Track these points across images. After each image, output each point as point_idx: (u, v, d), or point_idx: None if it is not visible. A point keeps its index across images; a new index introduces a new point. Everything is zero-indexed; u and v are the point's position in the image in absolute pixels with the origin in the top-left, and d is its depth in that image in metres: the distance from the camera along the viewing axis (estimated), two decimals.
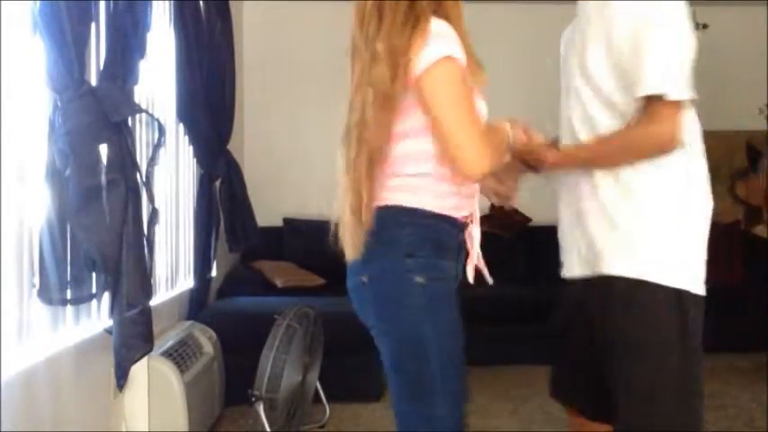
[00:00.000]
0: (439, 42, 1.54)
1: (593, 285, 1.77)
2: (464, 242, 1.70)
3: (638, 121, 1.68)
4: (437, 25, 1.57)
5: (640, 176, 1.71)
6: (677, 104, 1.63)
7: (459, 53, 1.56)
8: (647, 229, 1.72)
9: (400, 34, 1.56)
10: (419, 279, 1.58)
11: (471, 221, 1.71)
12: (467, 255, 1.71)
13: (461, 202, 1.67)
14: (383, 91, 1.59)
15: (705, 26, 5.75)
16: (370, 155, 1.60)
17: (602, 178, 1.73)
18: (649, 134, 1.66)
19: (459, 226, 1.67)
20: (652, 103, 1.64)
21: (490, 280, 1.72)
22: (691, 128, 1.75)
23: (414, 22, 1.56)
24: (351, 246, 1.65)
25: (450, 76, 1.54)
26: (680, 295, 1.75)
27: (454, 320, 1.63)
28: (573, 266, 1.84)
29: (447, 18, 1.62)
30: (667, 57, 1.62)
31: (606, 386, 1.73)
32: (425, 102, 1.56)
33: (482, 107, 1.68)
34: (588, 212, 1.77)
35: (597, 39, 1.72)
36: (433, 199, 1.62)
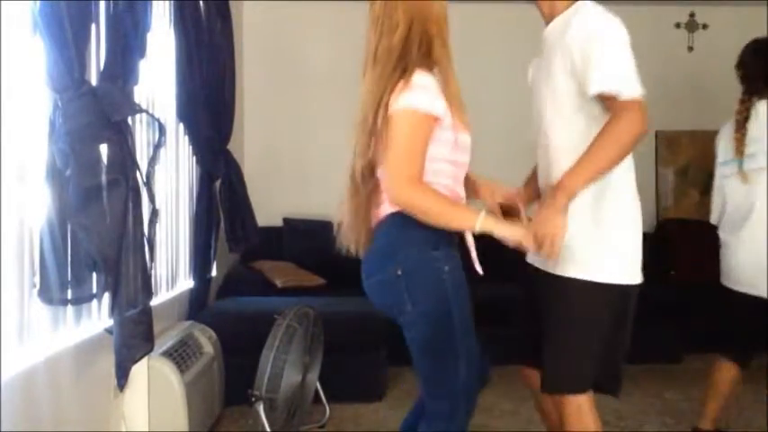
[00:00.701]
0: (414, 93, 1.85)
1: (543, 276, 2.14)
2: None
3: (606, 123, 1.90)
4: (420, 78, 1.87)
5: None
6: (632, 101, 1.86)
7: (428, 105, 1.86)
8: (581, 237, 2.00)
9: (389, 78, 1.89)
10: (446, 268, 1.89)
11: None
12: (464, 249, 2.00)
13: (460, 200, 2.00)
14: (368, 120, 1.94)
15: (705, 26, 5.76)
16: (362, 167, 1.99)
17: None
18: (618, 130, 1.87)
19: None
20: (612, 105, 1.89)
21: (480, 271, 1.97)
22: None
23: (401, 72, 1.88)
24: (357, 243, 1.99)
25: (405, 124, 1.87)
26: (607, 289, 2.06)
27: (467, 299, 1.95)
28: (534, 256, 2.17)
29: (438, 63, 1.94)
30: (613, 61, 1.89)
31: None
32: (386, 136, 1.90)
33: (465, 139, 1.96)
34: None
35: (561, 61, 2.00)
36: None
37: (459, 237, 1.97)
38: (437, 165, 1.91)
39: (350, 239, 1.99)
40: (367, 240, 1.97)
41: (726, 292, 3.06)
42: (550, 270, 2.10)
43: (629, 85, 1.87)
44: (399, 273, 1.89)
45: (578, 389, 2.13)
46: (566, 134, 2.06)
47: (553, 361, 2.15)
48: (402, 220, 1.89)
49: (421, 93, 1.85)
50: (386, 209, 1.94)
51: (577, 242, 1.99)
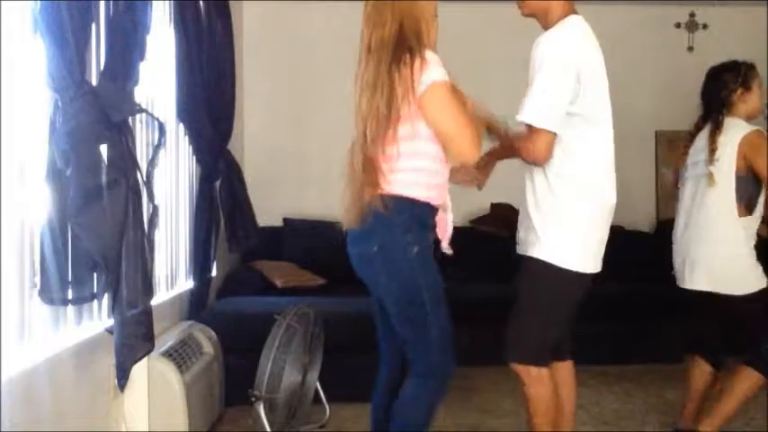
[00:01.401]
0: (436, 68, 2.15)
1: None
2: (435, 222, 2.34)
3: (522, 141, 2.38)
4: (431, 55, 2.17)
5: (547, 185, 2.38)
6: (540, 130, 2.28)
7: (446, 77, 2.17)
8: (546, 223, 2.40)
9: (391, 65, 2.17)
10: (415, 248, 2.21)
11: (443, 208, 2.35)
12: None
13: (440, 194, 2.29)
14: (383, 112, 2.19)
15: (705, 26, 5.75)
16: (365, 154, 2.23)
17: (539, 185, 2.41)
18: (524, 148, 2.35)
19: (435, 210, 2.30)
20: (528, 130, 2.34)
21: (449, 251, 2.37)
22: (577, 146, 2.35)
23: (408, 57, 2.15)
24: (349, 218, 2.27)
25: (442, 95, 2.17)
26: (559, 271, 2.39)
27: (435, 274, 2.27)
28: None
29: (429, 37, 2.23)
30: (540, 94, 2.28)
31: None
32: (427, 114, 2.17)
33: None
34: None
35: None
36: (424, 191, 2.23)
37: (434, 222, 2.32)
38: (425, 145, 2.21)
39: (349, 220, 2.27)
40: (357, 218, 2.24)
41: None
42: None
43: (541, 119, 2.27)
44: (375, 249, 2.22)
45: (540, 360, 2.45)
46: None
47: (523, 332, 2.46)
48: (389, 201, 2.19)
49: (439, 67, 2.15)
50: (374, 191, 2.21)
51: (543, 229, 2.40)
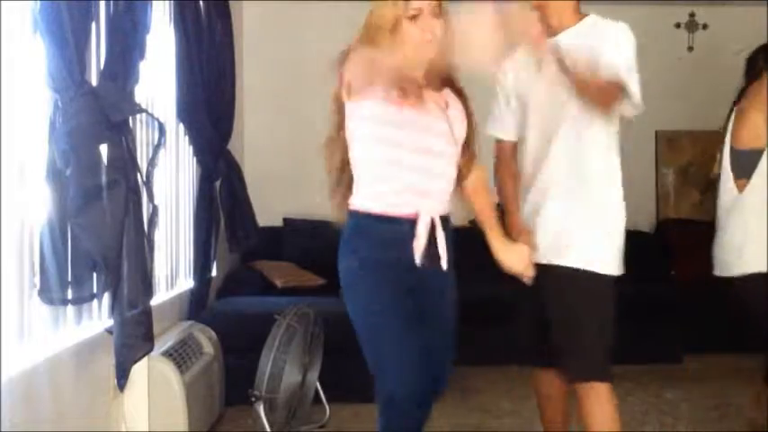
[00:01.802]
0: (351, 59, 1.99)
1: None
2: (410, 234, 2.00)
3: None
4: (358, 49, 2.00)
5: (596, 181, 2.28)
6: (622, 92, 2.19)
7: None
8: (592, 226, 2.29)
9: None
10: (355, 264, 2.01)
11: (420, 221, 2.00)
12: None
13: (400, 201, 1.99)
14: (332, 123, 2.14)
15: (705, 26, 5.75)
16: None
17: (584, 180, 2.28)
18: (607, 89, 2.15)
19: (398, 221, 1.99)
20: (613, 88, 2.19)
21: (444, 266, 2.05)
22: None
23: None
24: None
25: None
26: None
27: (389, 303, 2.00)
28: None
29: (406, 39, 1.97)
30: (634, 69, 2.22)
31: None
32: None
33: None
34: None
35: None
36: (367, 201, 2.01)
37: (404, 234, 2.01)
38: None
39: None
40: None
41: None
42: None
43: (635, 88, 2.21)
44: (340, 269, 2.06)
45: (607, 376, 2.27)
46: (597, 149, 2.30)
47: (584, 349, 2.27)
48: (348, 221, 2.05)
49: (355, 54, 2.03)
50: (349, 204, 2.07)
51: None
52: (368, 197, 2.02)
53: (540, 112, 2.33)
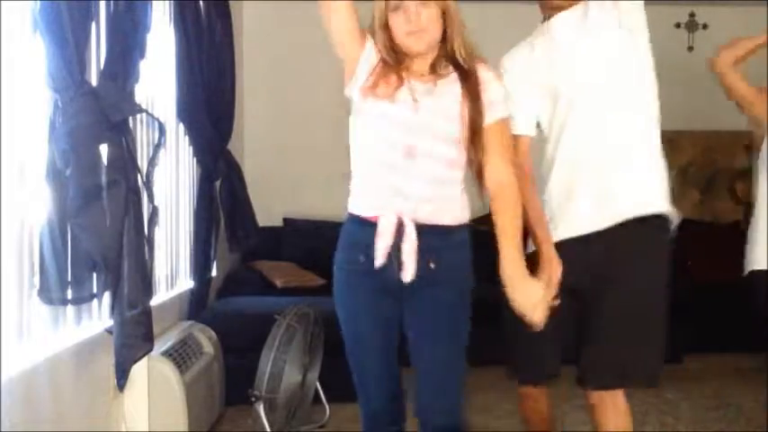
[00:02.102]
0: None
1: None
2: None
3: None
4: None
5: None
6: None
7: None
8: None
9: None
10: (336, 270, 1.97)
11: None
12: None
13: (369, 203, 1.92)
14: None
15: (705, 26, 5.75)
16: None
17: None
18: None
19: (369, 223, 1.88)
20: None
21: (405, 278, 1.86)
22: None
23: None
24: None
25: None
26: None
27: (346, 307, 1.97)
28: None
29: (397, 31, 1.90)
30: None
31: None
32: None
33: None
34: None
35: (618, 43, 2.14)
36: (351, 199, 1.98)
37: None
38: None
39: None
40: None
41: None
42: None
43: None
44: None
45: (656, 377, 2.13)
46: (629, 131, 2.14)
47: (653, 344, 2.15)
48: None
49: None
50: None
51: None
52: (354, 196, 1.99)
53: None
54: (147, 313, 2.30)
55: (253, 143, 5.37)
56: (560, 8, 2.11)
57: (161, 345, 2.81)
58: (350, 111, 1.98)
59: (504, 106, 1.93)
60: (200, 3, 3.64)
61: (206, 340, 3.29)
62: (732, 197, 5.70)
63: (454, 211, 1.91)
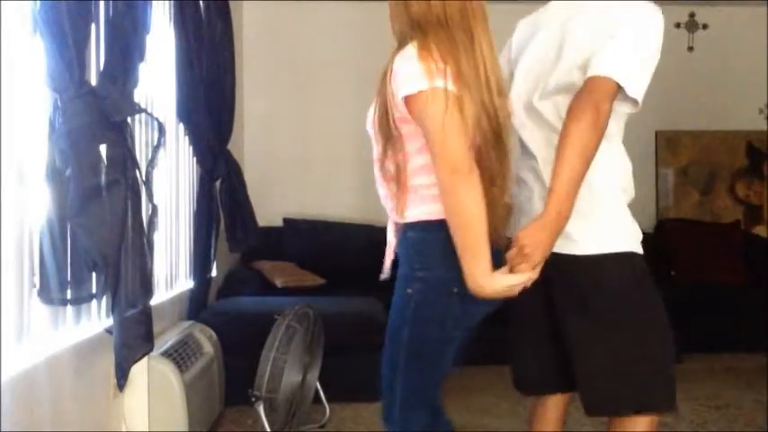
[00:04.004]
0: None
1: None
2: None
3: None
4: None
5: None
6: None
7: None
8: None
9: None
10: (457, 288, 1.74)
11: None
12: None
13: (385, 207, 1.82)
14: None
15: (705, 26, 5.76)
16: None
17: None
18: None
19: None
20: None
21: (382, 275, 1.86)
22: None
23: None
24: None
25: None
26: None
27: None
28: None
29: None
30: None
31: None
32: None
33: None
34: None
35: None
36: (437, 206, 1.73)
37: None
38: None
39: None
40: None
41: None
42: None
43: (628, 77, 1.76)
44: None
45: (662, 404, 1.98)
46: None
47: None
48: None
49: None
50: None
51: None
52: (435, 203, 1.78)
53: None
54: (146, 313, 2.30)
55: (253, 143, 5.38)
56: None
57: (161, 345, 2.81)
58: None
59: (418, 82, 1.60)
60: (200, 3, 3.64)
61: (206, 340, 3.29)
62: (732, 197, 5.70)
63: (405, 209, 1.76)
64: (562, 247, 1.77)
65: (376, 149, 1.77)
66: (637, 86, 1.71)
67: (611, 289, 1.86)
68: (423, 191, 1.70)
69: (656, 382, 2.01)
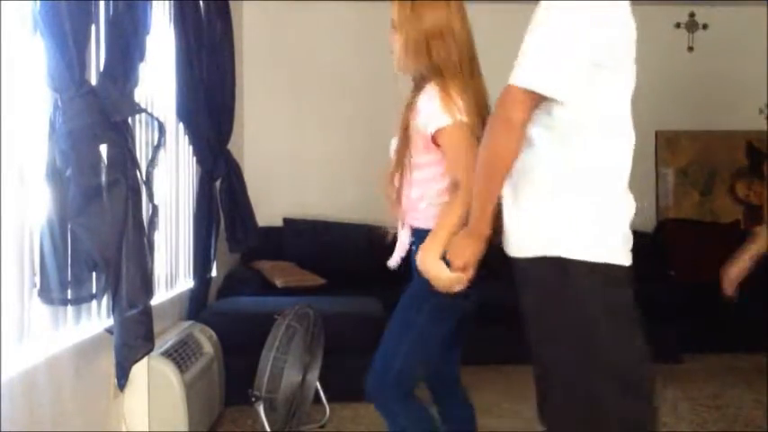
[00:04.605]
0: None
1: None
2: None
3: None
4: None
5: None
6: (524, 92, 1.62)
7: None
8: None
9: None
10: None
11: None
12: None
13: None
14: None
15: (705, 26, 5.76)
16: None
17: None
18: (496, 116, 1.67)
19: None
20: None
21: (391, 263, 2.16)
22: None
23: None
24: None
25: None
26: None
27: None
28: None
29: None
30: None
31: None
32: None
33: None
34: None
35: None
36: None
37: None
38: None
39: None
40: None
41: None
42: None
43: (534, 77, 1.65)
44: None
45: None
46: None
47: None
48: None
49: None
50: None
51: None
52: None
53: None
54: (147, 313, 2.30)
55: (253, 143, 5.38)
56: None
57: (161, 345, 2.81)
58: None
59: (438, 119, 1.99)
60: (200, 3, 3.64)
61: (206, 340, 3.29)
62: (732, 197, 5.70)
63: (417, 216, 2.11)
64: (505, 245, 1.79)
65: (393, 168, 2.11)
66: (546, 83, 1.61)
67: (530, 301, 1.73)
68: (428, 208, 2.06)
69: (590, 424, 1.67)
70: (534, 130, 1.69)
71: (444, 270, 1.89)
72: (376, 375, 2.09)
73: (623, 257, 1.78)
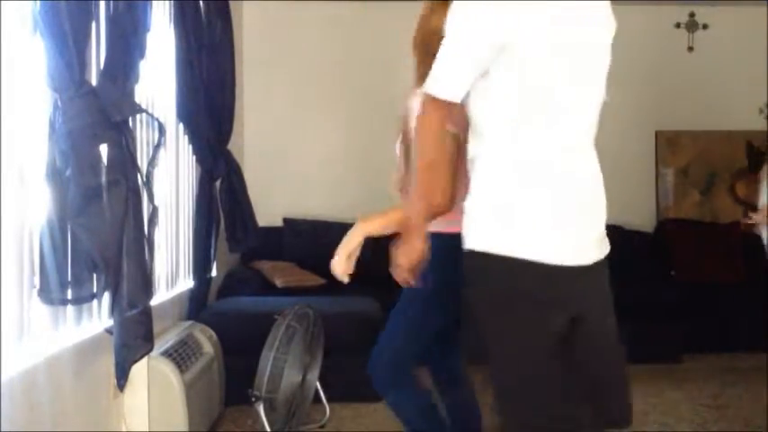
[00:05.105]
0: None
1: None
2: None
3: None
4: None
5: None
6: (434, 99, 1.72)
7: None
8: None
9: None
10: None
11: None
12: None
13: None
14: None
15: (705, 26, 5.76)
16: None
17: None
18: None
19: None
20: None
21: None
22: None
23: None
24: None
25: None
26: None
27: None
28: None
29: None
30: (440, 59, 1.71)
31: None
32: None
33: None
34: None
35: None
36: None
37: None
38: None
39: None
40: None
41: None
42: None
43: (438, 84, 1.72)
44: None
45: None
46: None
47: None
48: None
49: None
50: None
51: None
52: None
53: None
54: (147, 313, 2.30)
55: (253, 143, 5.37)
56: None
57: (161, 345, 2.81)
58: None
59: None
60: (200, 3, 3.64)
61: (206, 340, 3.29)
62: (732, 197, 5.70)
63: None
64: None
65: (399, 168, 2.18)
66: (440, 87, 1.69)
67: (469, 295, 1.76)
68: None
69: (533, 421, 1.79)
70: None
71: (397, 257, 1.85)
72: (375, 351, 2.26)
73: (535, 253, 1.62)
